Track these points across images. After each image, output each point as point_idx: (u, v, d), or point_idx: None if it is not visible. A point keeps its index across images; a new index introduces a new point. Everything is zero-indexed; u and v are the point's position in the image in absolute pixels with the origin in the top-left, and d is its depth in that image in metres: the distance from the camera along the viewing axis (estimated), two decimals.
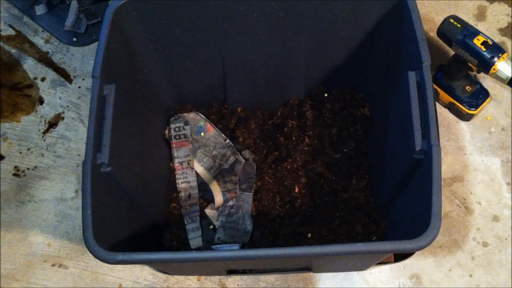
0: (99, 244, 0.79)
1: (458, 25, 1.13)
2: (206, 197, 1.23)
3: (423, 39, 0.89)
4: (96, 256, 0.78)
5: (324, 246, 0.78)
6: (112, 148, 0.87)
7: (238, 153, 1.23)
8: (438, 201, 0.78)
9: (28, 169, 1.32)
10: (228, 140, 1.25)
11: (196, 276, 1.18)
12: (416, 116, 0.86)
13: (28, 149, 1.35)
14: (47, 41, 1.48)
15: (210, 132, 1.26)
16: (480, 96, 1.26)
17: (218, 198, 1.19)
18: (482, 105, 1.26)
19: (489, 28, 1.39)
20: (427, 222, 0.77)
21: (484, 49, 1.10)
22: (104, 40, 0.92)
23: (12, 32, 1.50)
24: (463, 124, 1.29)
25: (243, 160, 1.22)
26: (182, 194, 1.22)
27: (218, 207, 1.20)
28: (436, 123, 0.84)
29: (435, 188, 0.79)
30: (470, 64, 1.16)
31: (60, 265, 1.22)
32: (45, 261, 1.22)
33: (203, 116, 1.27)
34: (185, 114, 1.27)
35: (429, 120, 0.83)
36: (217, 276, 1.18)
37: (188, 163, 1.24)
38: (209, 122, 1.26)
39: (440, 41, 1.18)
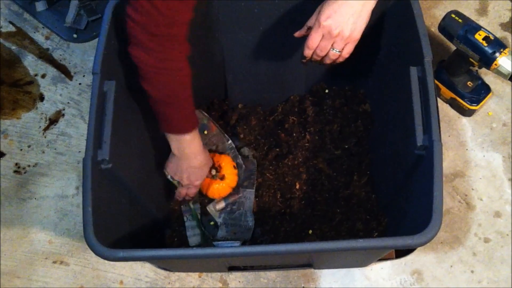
0: (100, 241, 0.78)
1: (460, 20, 1.13)
2: None
3: (424, 34, 0.89)
4: (96, 253, 0.78)
5: (325, 242, 0.78)
6: (112, 144, 0.87)
7: (239, 156, 1.22)
8: (440, 197, 0.78)
9: (28, 166, 1.32)
10: (230, 141, 1.24)
11: (197, 273, 1.18)
12: (417, 111, 0.86)
13: (29, 146, 1.34)
14: (47, 38, 1.48)
15: (213, 130, 1.26)
16: (481, 91, 1.26)
17: (220, 204, 1.19)
18: (484, 100, 1.26)
19: (490, 23, 1.38)
20: (429, 218, 0.76)
21: (485, 45, 1.10)
22: (104, 37, 0.92)
23: (13, 29, 1.50)
24: (464, 119, 1.29)
25: (243, 166, 1.22)
26: None
27: (220, 210, 1.20)
28: (437, 118, 0.84)
29: (436, 184, 0.78)
30: (471, 60, 1.15)
31: (61, 262, 1.22)
32: (46, 258, 1.22)
33: (206, 114, 1.26)
34: None
35: (430, 115, 0.83)
36: (219, 273, 1.17)
37: None
38: (212, 121, 1.26)
39: (442, 37, 1.18)
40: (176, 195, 1.12)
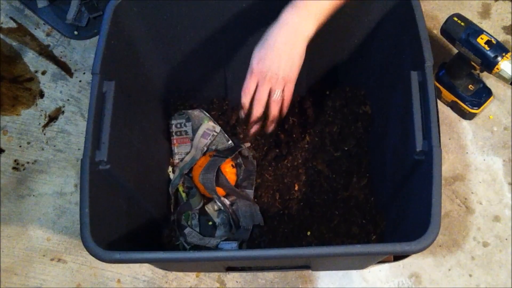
0: (97, 242, 0.78)
1: (462, 24, 1.12)
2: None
3: (426, 38, 0.88)
4: (93, 254, 0.77)
5: (322, 247, 0.77)
6: (111, 145, 0.87)
7: (240, 157, 1.22)
8: (438, 203, 0.77)
9: (27, 163, 1.32)
10: (230, 141, 1.24)
11: (195, 273, 1.18)
12: (417, 117, 0.85)
13: (28, 143, 1.34)
14: (48, 34, 1.48)
15: None
16: (483, 95, 1.25)
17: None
18: (485, 104, 1.25)
19: (493, 26, 1.38)
20: (427, 224, 0.76)
21: (487, 48, 1.09)
22: (104, 37, 0.91)
23: (13, 25, 1.49)
24: (465, 123, 1.28)
25: (243, 166, 1.21)
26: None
27: (218, 210, 1.20)
28: (437, 124, 0.83)
29: (435, 190, 0.78)
30: (473, 63, 1.15)
31: (59, 260, 1.22)
32: (44, 255, 1.22)
33: (207, 114, 1.26)
34: (189, 111, 1.26)
35: (430, 121, 0.83)
36: (216, 273, 1.17)
37: None
38: (212, 120, 1.25)
39: (444, 39, 1.17)
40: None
